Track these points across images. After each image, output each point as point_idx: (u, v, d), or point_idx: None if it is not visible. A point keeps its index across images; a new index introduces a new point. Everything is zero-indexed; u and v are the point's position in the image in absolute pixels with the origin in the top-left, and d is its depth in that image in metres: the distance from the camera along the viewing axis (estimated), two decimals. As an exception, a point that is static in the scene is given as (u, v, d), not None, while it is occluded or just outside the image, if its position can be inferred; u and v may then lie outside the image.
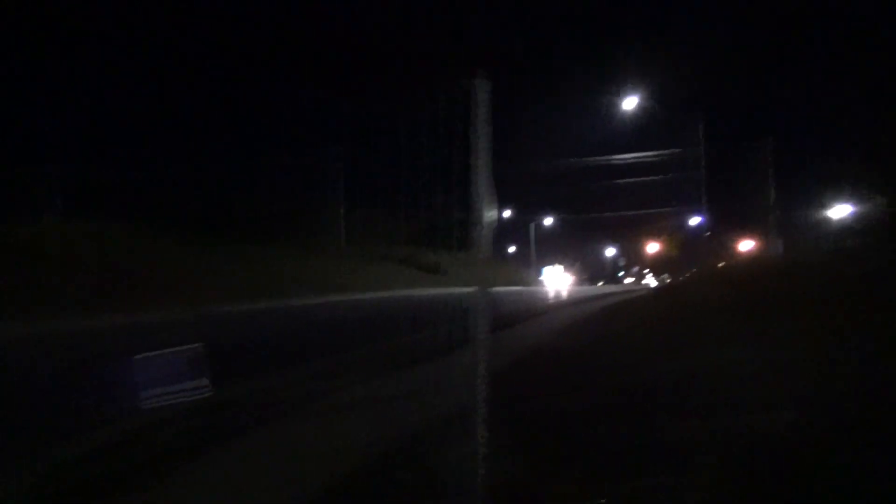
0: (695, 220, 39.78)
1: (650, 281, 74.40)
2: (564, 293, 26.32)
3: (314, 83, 52.17)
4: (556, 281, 32.45)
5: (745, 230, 38.26)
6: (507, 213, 47.64)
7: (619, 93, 24.59)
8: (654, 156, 33.98)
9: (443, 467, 2.97)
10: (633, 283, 72.81)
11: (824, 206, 32.79)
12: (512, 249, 56.24)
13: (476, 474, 2.54)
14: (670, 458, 2.98)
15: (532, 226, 51.61)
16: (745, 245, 39.13)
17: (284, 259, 25.85)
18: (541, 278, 32.82)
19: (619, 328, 9.54)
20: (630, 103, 24.41)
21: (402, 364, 6.27)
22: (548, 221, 52.19)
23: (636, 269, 76.20)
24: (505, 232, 50.67)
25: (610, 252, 75.80)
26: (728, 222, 35.56)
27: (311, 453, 3.73)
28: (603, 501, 2.74)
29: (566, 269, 42.41)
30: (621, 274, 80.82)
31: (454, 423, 3.28)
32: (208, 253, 21.63)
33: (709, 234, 36.07)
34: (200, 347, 4.25)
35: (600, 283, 59.80)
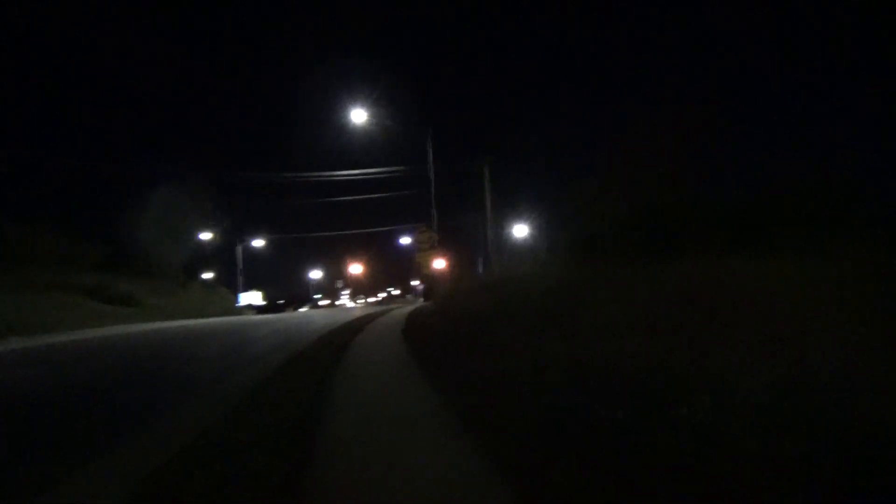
0: (406, 240, 41.26)
1: (346, 302, 75.64)
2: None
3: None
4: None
5: (444, 249, 40.89)
6: (207, 236, 43.39)
7: (346, 107, 23.51)
8: (379, 173, 33.92)
9: None
10: (327, 305, 73.05)
11: (510, 226, 37.06)
12: (209, 275, 51.39)
13: None
14: None
15: (239, 248, 47.87)
16: (438, 264, 42.00)
17: None
18: None
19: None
20: (358, 117, 23.59)
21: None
22: (258, 243, 48.89)
23: (347, 290, 76.75)
24: (206, 255, 46.04)
25: (316, 274, 74.91)
26: (442, 241, 37.43)
27: None
28: None
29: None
30: (318, 296, 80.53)
31: None
32: None
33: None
34: None
35: (304, 309, 58.25)
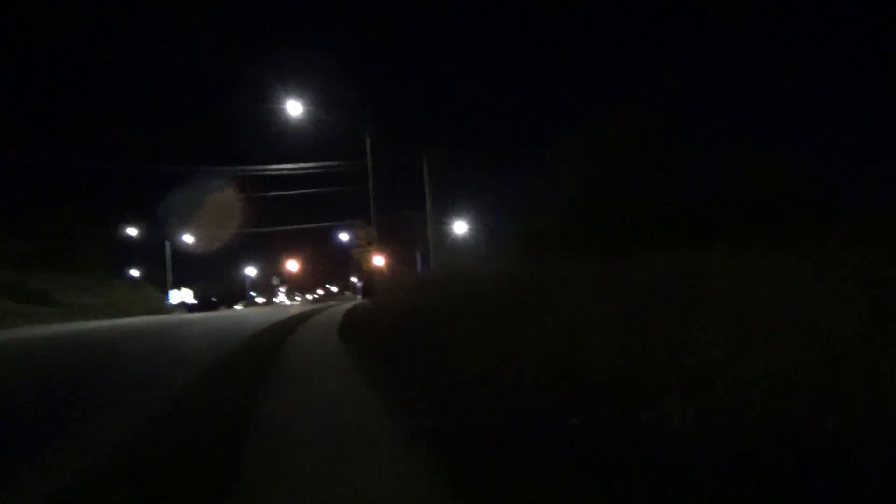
0: (344, 236, 40.47)
1: (283, 300, 73.96)
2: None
3: None
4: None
5: (383, 246, 40.50)
6: (134, 231, 41.41)
7: (278, 98, 22.46)
8: (316, 168, 33.00)
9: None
10: (263, 303, 71.26)
11: (450, 221, 36.91)
12: (136, 272, 49.09)
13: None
14: None
15: (168, 244, 45.74)
16: (377, 260, 41.71)
17: None
18: None
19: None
20: (294, 109, 22.68)
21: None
22: (188, 239, 46.78)
23: (284, 287, 74.98)
24: (132, 251, 43.92)
25: (252, 271, 72.64)
26: (381, 238, 36.97)
27: None
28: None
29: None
30: (253, 294, 78.45)
31: None
32: None
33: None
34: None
35: (238, 307, 56.52)
